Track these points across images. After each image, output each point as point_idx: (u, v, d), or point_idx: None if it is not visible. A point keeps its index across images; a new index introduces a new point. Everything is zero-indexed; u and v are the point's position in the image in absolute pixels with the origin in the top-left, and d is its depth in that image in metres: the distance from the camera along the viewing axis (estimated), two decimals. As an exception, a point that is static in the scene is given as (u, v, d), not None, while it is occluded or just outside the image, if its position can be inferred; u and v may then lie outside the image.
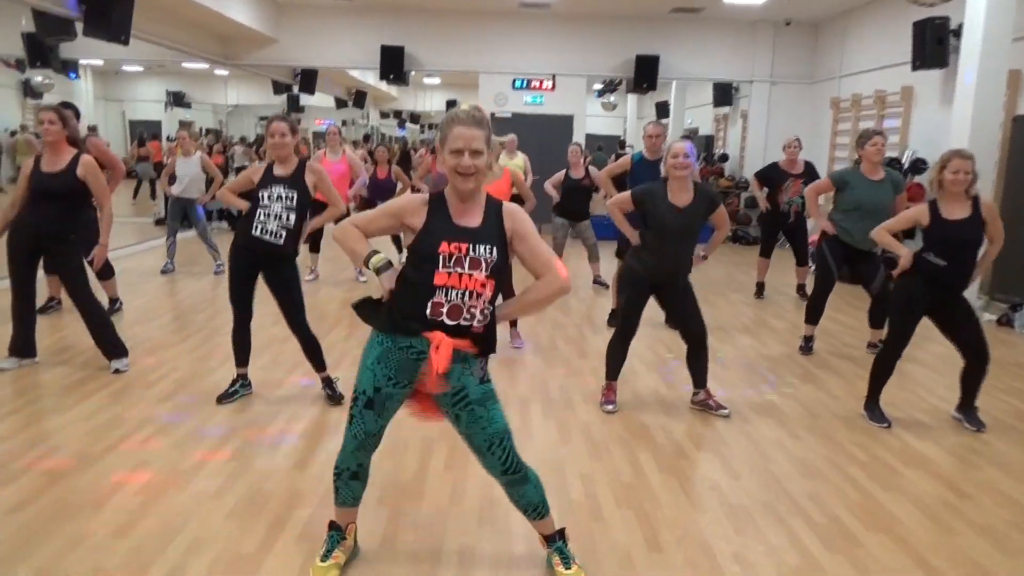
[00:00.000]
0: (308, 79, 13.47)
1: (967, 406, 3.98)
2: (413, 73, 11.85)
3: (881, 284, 5.03)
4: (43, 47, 10.03)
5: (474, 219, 2.23)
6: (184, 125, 19.62)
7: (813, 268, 5.92)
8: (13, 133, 16.97)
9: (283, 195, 3.80)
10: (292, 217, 3.82)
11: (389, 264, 2.28)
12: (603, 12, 11.01)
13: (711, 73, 11.78)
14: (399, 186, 7.77)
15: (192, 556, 2.55)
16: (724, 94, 13.24)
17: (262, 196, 3.80)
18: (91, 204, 4.51)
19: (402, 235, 2.30)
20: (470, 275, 2.16)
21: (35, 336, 4.57)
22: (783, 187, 6.86)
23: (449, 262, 2.16)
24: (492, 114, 11.58)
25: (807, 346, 5.35)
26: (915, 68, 7.98)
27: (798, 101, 11.38)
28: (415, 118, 27.37)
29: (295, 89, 14.63)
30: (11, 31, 10.03)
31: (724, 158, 12.97)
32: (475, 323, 2.22)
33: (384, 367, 2.26)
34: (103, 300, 5.33)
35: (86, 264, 4.53)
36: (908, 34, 8.03)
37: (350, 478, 2.42)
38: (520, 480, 2.40)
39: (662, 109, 17.78)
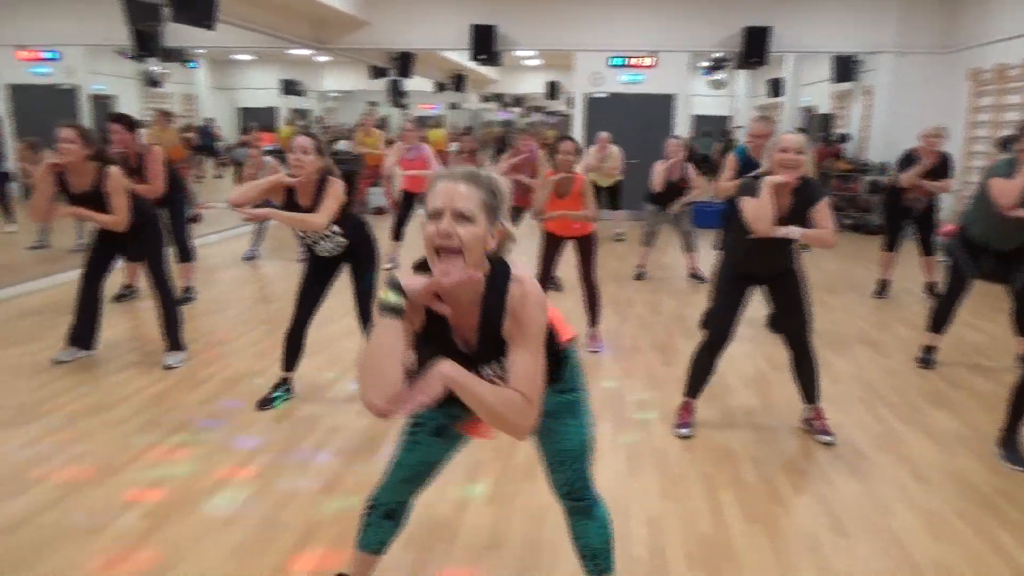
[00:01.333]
0: (404, 63, 13.29)
1: None
2: (505, 53, 11.40)
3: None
4: (146, 37, 10.22)
5: (472, 319, 1.66)
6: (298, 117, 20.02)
7: (942, 260, 5.03)
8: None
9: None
10: (339, 232, 3.54)
11: (402, 307, 1.65)
12: (709, -19, 10.16)
13: (829, 45, 10.67)
14: None
15: (179, 603, 2.21)
16: (845, 68, 12.00)
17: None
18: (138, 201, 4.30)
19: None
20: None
21: (97, 329, 4.43)
22: (914, 183, 5.92)
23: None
24: (588, 94, 11.02)
25: (926, 358, 4.53)
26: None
27: (929, 74, 10.11)
28: (518, 101, 26.96)
29: (391, 73, 14.55)
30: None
31: (844, 139, 11.80)
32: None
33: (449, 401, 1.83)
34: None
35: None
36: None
37: (383, 516, 1.99)
38: (583, 512, 1.98)
39: (775, 86, 16.58)
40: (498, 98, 26.72)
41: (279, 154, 7.88)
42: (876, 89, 10.51)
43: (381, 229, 5.76)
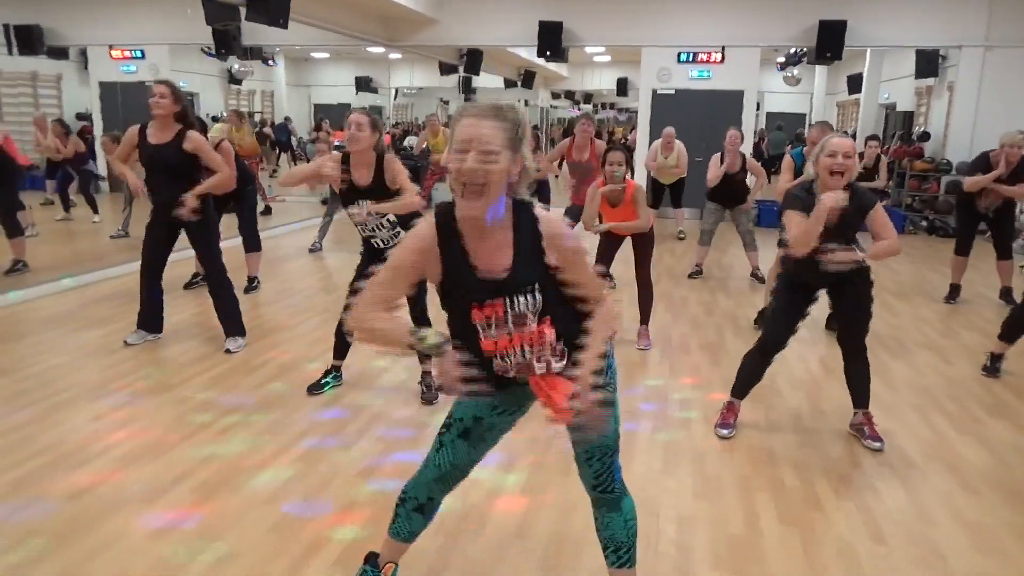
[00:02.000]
0: (473, 59, 13.44)
1: None
2: (572, 49, 11.40)
3: None
4: (225, 35, 10.65)
5: (502, 256, 1.69)
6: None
7: (1021, 266, 4.76)
8: (216, 119, 18.55)
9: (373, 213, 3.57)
10: (396, 222, 3.59)
11: (445, 339, 1.74)
12: (782, -26, 9.90)
13: (909, 39, 10.24)
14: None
15: (218, 571, 2.34)
16: (929, 63, 11.49)
17: (350, 212, 3.59)
18: (200, 179, 4.44)
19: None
20: (520, 334, 1.73)
21: (163, 312, 4.67)
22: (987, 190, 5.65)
23: (489, 329, 1.72)
24: (654, 91, 10.90)
25: (993, 367, 4.32)
26: None
27: (1020, 70, 9.60)
28: (588, 97, 26.82)
29: (460, 70, 14.72)
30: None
31: (925, 137, 11.30)
32: (553, 366, 1.78)
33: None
34: (243, 277, 5.54)
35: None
36: None
37: (413, 510, 2.04)
38: (611, 504, 1.99)
39: (854, 82, 15.99)
40: (569, 95, 26.69)
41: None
42: (959, 85, 10.03)
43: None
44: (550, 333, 1.74)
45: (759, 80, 11.30)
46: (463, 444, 1.96)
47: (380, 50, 14.86)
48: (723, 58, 10.55)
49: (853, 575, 2.41)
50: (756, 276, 6.73)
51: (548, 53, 10.82)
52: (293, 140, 18.94)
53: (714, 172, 6.48)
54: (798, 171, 4.88)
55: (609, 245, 4.84)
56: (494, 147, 1.57)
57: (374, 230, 3.65)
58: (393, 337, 1.75)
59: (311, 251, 7.81)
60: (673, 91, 10.80)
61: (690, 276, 6.85)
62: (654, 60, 10.85)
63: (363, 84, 20.59)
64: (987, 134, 8.71)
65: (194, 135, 4.22)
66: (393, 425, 3.50)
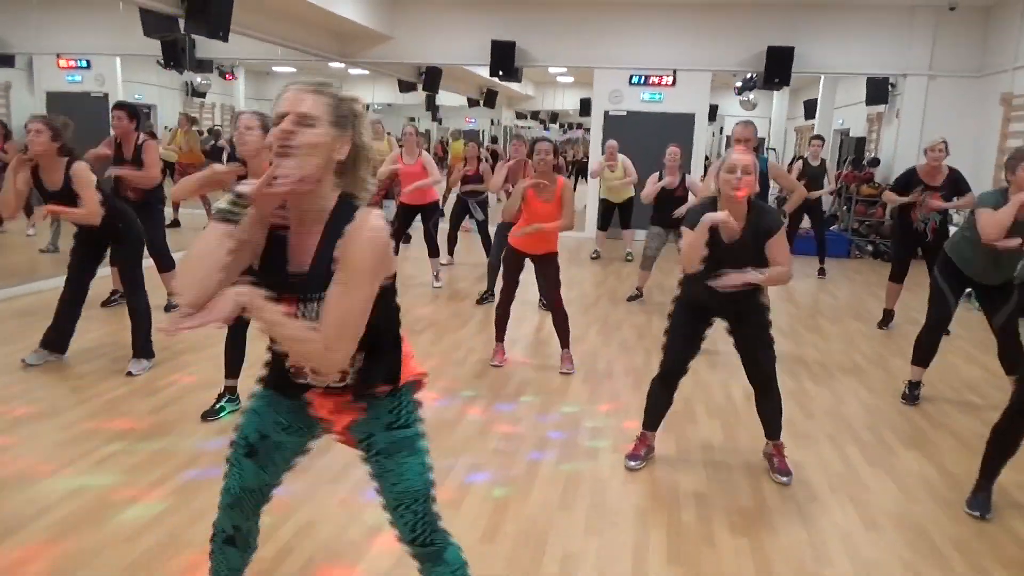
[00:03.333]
0: (432, 77, 13.36)
1: None
2: (535, 70, 11.39)
3: (1007, 316, 3.92)
4: (174, 47, 10.45)
5: (307, 253, 1.59)
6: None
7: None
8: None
9: None
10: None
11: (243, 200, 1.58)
12: (731, 0, 9.99)
13: (856, 66, 10.38)
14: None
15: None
16: (878, 90, 11.66)
17: None
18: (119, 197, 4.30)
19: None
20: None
21: (72, 331, 4.46)
22: (919, 200, 5.66)
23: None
24: (607, 112, 10.91)
25: (911, 394, 4.28)
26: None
27: (961, 98, 9.77)
28: (553, 117, 26.90)
29: (420, 88, 14.63)
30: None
31: (875, 162, 11.44)
32: (331, 384, 1.69)
33: (273, 411, 1.77)
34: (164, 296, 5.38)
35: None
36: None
37: (224, 542, 1.87)
38: (433, 558, 1.80)
39: (810, 108, 16.25)
40: (535, 115, 26.79)
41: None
42: (904, 113, 10.18)
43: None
44: None
45: (721, 104, 11.37)
46: (250, 465, 1.79)
47: (340, 66, 14.75)
48: (675, 81, 10.60)
49: (734, 619, 2.30)
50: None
51: (501, 72, 10.79)
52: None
53: (650, 188, 6.44)
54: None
55: (514, 264, 4.65)
56: (311, 116, 1.52)
57: None
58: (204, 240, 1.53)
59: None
60: (625, 112, 10.82)
61: (629, 299, 6.78)
62: (607, 82, 10.87)
63: (325, 100, 20.41)
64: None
65: (78, 170, 4.03)
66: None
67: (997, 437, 2.97)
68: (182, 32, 7.92)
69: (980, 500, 2.99)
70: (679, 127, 10.52)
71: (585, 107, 21.31)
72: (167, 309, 5.57)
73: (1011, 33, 8.95)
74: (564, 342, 4.69)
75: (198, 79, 16.36)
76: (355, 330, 1.54)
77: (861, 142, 13.87)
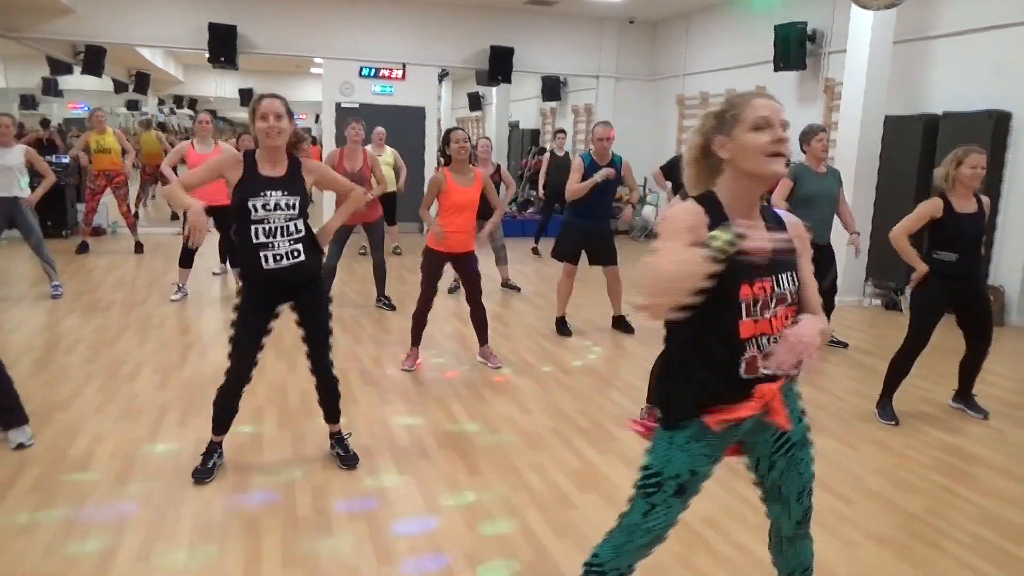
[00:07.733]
0: (95, 57, 11.35)
1: (967, 394, 4.20)
2: (193, 53, 10.45)
3: (832, 281, 5.19)
4: None
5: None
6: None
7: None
8: None
9: (282, 203, 2.96)
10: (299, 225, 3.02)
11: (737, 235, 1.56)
12: (457, 0, 10.56)
13: (561, 67, 11.83)
14: None
15: None
16: (552, 89, 13.37)
17: (253, 207, 2.93)
18: None
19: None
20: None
21: None
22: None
23: None
24: (338, 104, 10.69)
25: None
26: (777, 69, 8.50)
27: (642, 97, 11.78)
28: (192, 103, 24.56)
29: (77, 70, 12.38)
30: None
31: (542, 151, 12.92)
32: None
33: (702, 445, 1.76)
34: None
35: None
36: (750, 36, 8.91)
37: None
38: (806, 535, 1.97)
39: (474, 100, 17.51)
40: (177, 100, 24.31)
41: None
42: (598, 108, 11.86)
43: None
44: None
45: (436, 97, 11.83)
46: (678, 503, 1.80)
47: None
48: (404, 75, 10.83)
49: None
50: (508, 286, 7.19)
51: (222, 59, 9.85)
52: None
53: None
54: (587, 172, 5.37)
55: (435, 261, 4.62)
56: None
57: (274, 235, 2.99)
58: (692, 260, 1.51)
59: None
60: (357, 105, 10.73)
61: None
62: (336, 73, 10.65)
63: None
64: (617, 150, 10.47)
65: None
66: (284, 514, 3.03)
67: (896, 366, 4.03)
68: None
69: (889, 411, 4.05)
70: (412, 120, 10.83)
71: (245, 96, 20.03)
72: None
73: (679, 46, 11.07)
74: (482, 339, 4.83)
75: None
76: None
77: (536, 134, 15.67)
